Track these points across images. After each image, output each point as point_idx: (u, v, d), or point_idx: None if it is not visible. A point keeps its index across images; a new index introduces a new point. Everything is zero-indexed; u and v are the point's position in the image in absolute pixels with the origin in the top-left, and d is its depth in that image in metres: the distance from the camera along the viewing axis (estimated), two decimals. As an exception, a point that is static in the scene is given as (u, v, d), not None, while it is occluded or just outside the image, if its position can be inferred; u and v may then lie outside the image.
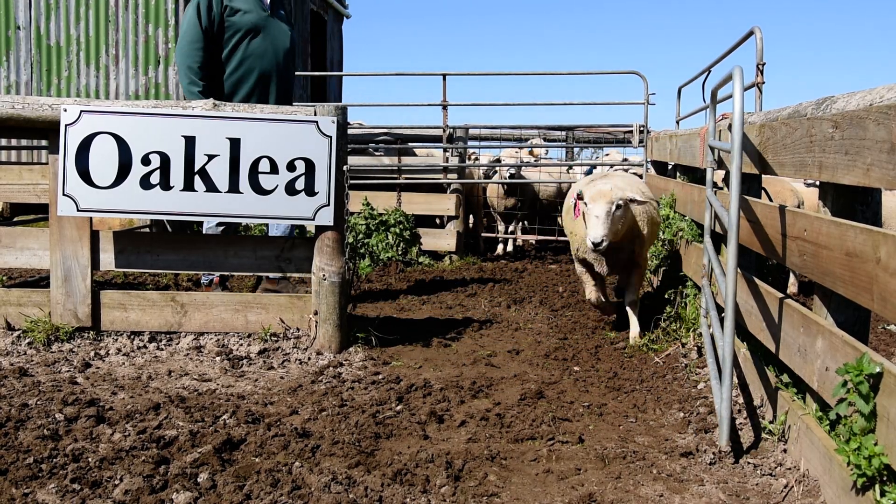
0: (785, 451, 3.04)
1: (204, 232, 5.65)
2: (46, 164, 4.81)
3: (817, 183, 3.15)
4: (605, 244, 4.52)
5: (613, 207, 4.57)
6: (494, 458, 3.20)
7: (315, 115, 4.67)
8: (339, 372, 4.38)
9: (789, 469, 2.93)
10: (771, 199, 6.22)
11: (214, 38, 5.27)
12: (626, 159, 10.06)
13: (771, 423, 3.22)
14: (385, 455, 3.21)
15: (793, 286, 7.07)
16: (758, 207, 3.63)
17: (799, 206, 6.70)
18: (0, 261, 4.83)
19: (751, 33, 6.06)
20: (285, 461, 3.07)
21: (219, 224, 5.58)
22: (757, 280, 3.63)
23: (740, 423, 3.44)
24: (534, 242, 10.34)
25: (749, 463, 3.09)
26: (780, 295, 3.28)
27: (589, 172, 10.01)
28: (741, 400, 3.61)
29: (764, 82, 6.09)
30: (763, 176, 3.99)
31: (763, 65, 6.03)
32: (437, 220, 9.71)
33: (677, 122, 8.76)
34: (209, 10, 5.20)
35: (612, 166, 9.58)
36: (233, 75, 5.33)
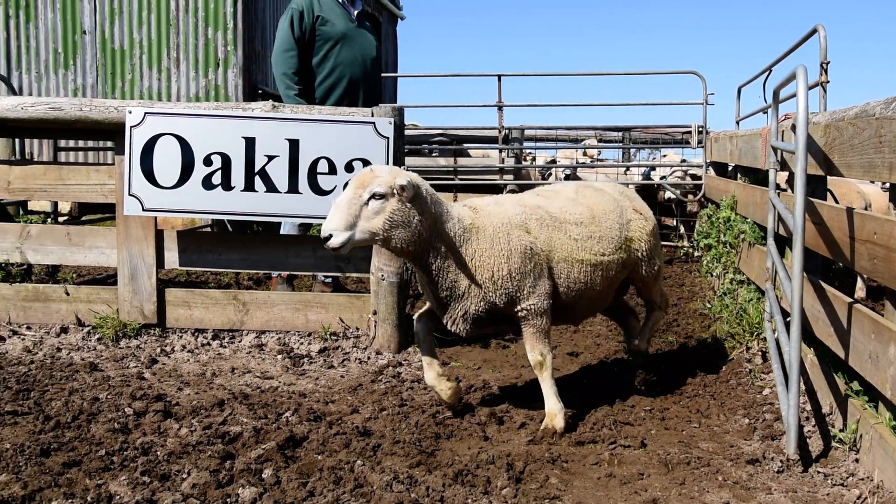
0: (857, 460, 2.96)
1: (282, 233, 5.76)
2: (112, 164, 4.93)
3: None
4: (338, 241, 3.27)
5: (366, 195, 3.29)
6: (555, 460, 3.18)
7: (372, 116, 4.71)
8: (399, 372, 4.41)
9: (862, 479, 2.85)
10: (837, 201, 6.08)
11: (306, 47, 5.45)
12: (684, 160, 9.93)
13: (841, 431, 3.14)
14: (445, 455, 3.21)
15: (860, 291, 6.88)
16: (824, 210, 3.54)
17: (866, 209, 6.53)
18: (70, 259, 4.98)
19: (814, 31, 5.93)
20: (347, 459, 3.10)
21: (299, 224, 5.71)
22: (824, 284, 3.54)
23: (808, 431, 3.36)
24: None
25: (819, 472, 3.01)
26: (849, 300, 3.20)
27: (647, 175, 9.90)
28: (809, 407, 3.53)
29: (828, 81, 5.96)
30: (828, 177, 3.89)
31: (827, 63, 5.90)
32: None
33: (737, 123, 8.62)
34: (301, 20, 5.41)
35: (671, 167, 9.46)
36: (325, 82, 5.50)
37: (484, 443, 3.39)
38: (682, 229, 9.76)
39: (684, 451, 3.29)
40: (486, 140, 10.00)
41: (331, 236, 3.28)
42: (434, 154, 10.06)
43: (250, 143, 4.66)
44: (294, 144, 4.66)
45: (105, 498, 2.69)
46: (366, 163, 4.66)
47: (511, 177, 9.21)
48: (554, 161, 10.06)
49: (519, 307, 3.53)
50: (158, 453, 3.11)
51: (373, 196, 3.30)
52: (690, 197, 9.27)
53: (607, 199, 3.95)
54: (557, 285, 3.63)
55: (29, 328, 4.88)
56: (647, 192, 9.83)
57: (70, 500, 2.64)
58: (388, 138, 4.68)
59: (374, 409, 3.75)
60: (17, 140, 6.76)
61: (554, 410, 3.54)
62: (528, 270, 3.52)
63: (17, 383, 3.96)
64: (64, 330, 4.84)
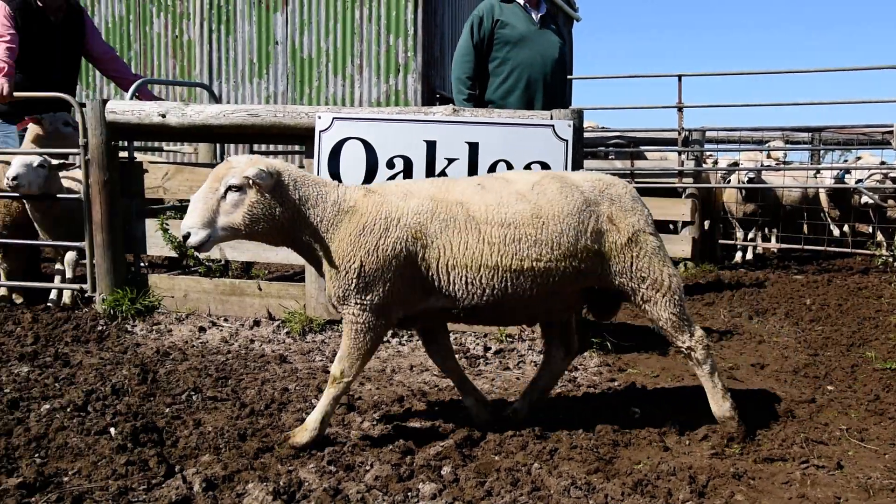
0: None
1: None
2: (302, 167, 5.19)
3: None
4: (196, 240, 3.03)
5: (222, 188, 3.05)
6: (741, 476, 3.03)
7: (551, 118, 4.68)
8: (574, 376, 4.36)
9: None
10: None
11: (485, 52, 5.56)
12: (883, 162, 9.20)
13: None
14: (624, 464, 3.14)
15: None
16: None
17: None
18: (263, 256, 5.30)
19: None
20: (524, 461, 3.10)
21: None
22: None
23: None
24: (775, 251, 9.73)
25: None
26: None
27: (841, 179, 9.24)
28: None
29: None
30: None
31: None
32: (671, 226, 9.41)
33: (948, 121, 7.89)
34: (480, 25, 5.53)
35: (868, 170, 8.81)
36: (504, 84, 5.57)
37: (664, 453, 3.29)
38: (879, 236, 9.05)
39: (887, 477, 3.04)
40: (664, 142, 9.73)
41: (189, 235, 3.05)
42: (610, 157, 9.89)
43: (431, 146, 4.76)
44: (473, 147, 4.72)
45: (296, 483, 2.84)
46: (544, 166, 4.65)
47: (691, 180, 8.89)
48: (736, 164, 9.61)
49: (345, 307, 3.14)
50: (343, 445, 3.24)
51: (229, 188, 3.05)
52: (891, 202, 8.58)
53: (571, 200, 3.24)
54: (453, 292, 3.17)
55: (226, 320, 5.23)
56: (841, 196, 9.19)
57: (264, 484, 2.80)
58: (566, 141, 4.64)
59: (551, 412, 3.73)
60: (217, 145, 7.28)
61: None
62: (383, 277, 3.11)
63: (216, 371, 4.27)
64: (256, 323, 5.16)
